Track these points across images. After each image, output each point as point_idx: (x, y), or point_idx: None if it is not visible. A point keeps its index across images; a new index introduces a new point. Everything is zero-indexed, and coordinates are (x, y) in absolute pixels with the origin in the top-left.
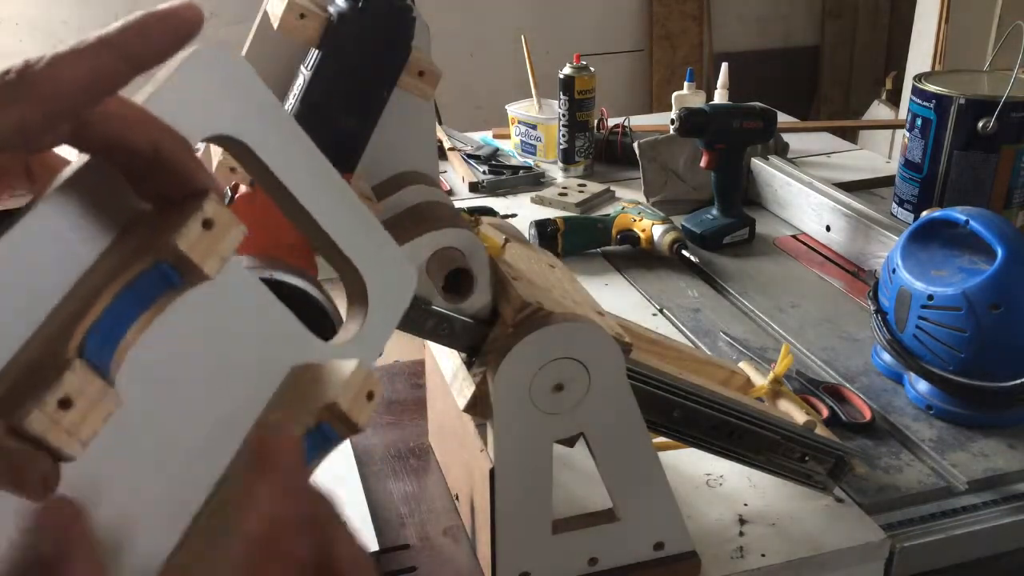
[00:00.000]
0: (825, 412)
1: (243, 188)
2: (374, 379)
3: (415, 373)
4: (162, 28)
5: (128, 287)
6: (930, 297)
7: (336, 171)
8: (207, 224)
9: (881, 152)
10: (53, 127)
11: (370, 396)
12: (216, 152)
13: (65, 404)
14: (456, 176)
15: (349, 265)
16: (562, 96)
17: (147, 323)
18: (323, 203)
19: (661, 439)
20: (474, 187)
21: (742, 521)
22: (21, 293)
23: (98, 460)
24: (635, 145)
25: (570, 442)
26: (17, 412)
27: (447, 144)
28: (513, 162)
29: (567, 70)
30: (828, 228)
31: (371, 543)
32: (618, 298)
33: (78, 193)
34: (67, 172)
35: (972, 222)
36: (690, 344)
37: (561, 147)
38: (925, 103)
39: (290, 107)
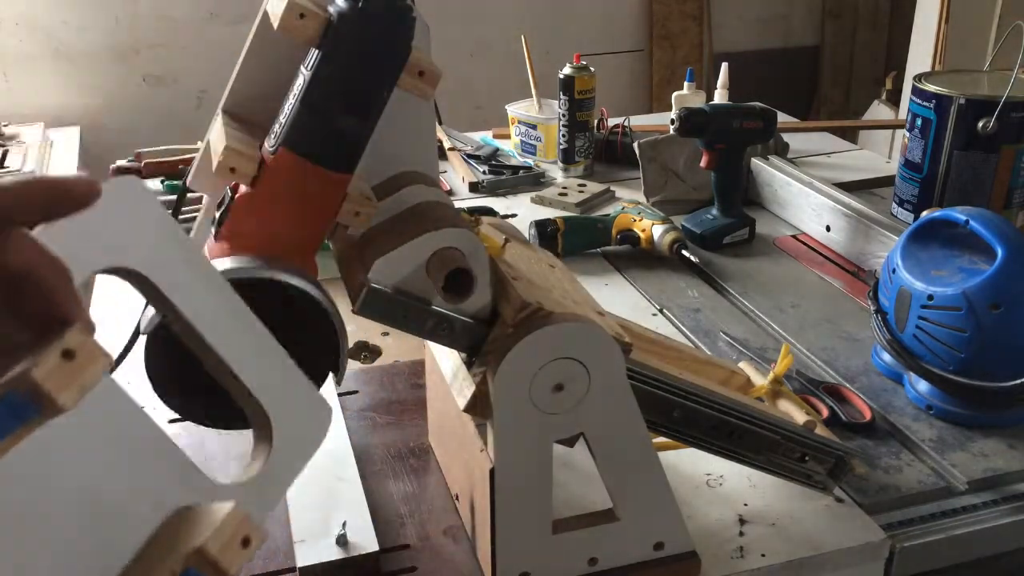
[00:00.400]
0: (825, 412)
1: (243, 188)
2: (251, 525)
3: (415, 373)
4: (46, 195)
5: None
6: (930, 297)
7: (245, 306)
8: (67, 354)
9: (881, 152)
10: None
11: (245, 542)
12: (216, 152)
13: None
14: (456, 176)
15: (254, 402)
16: (562, 96)
17: (2, 452)
18: (228, 337)
19: (661, 439)
20: (474, 187)
21: (742, 521)
22: None
23: None
24: (635, 145)
25: (570, 442)
26: None
27: (447, 144)
28: (513, 162)
29: (567, 70)
30: (828, 228)
31: (371, 543)
32: (618, 298)
33: None
34: None
35: (972, 222)
36: (690, 344)
37: (561, 147)
38: (925, 103)
39: (290, 107)
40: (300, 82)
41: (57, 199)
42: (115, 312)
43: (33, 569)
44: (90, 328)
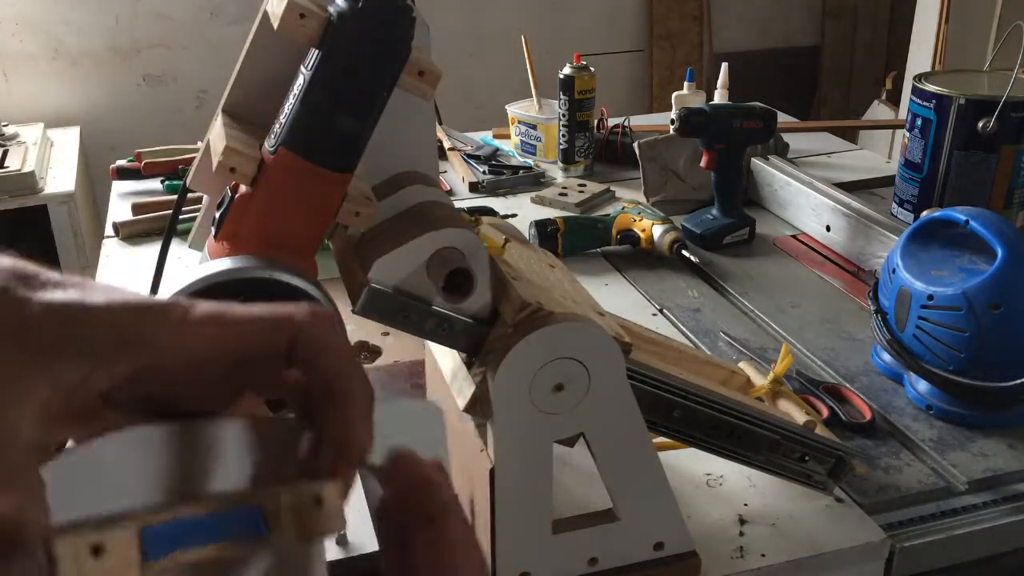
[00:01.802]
0: (825, 412)
1: (243, 188)
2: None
3: (415, 373)
4: (326, 386)
5: (218, 511)
6: (930, 297)
7: None
8: (318, 501)
9: (881, 152)
10: None
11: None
12: (216, 152)
13: (97, 551)
14: (456, 176)
15: None
16: (562, 96)
17: (216, 554)
18: None
19: (661, 439)
20: (474, 187)
21: (742, 521)
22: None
23: None
24: (635, 145)
25: (570, 442)
26: (56, 533)
27: (447, 144)
28: (513, 162)
29: (567, 70)
30: (828, 228)
31: (371, 543)
32: (618, 298)
33: (261, 428)
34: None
35: (972, 222)
36: (690, 344)
37: (561, 147)
38: (925, 103)
39: (290, 107)
40: (300, 82)
41: (327, 399)
42: None
43: None
44: (346, 495)
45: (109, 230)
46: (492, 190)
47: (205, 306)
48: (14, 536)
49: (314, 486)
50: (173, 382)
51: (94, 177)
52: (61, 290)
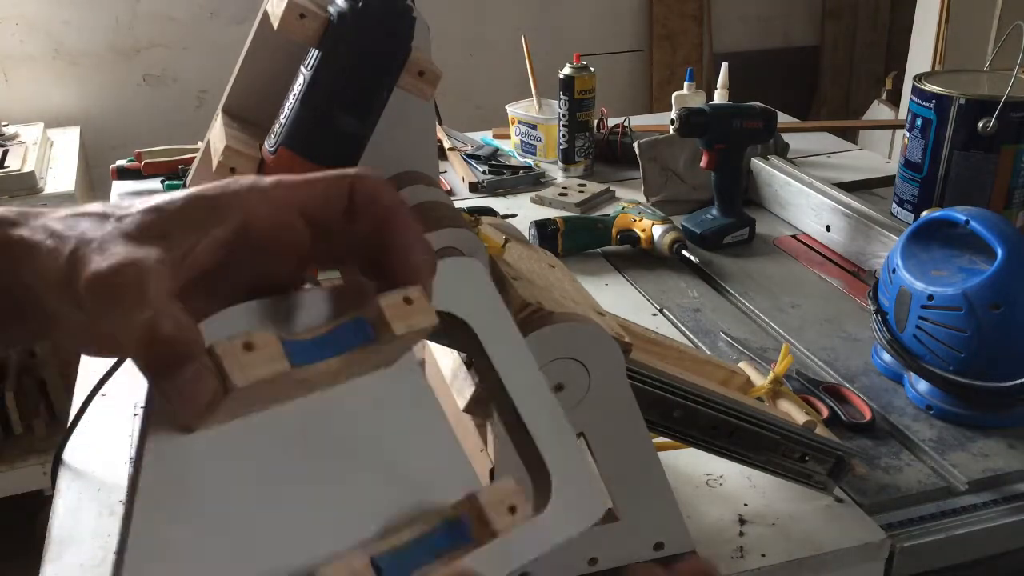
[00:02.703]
0: (825, 412)
1: None
2: (522, 497)
3: None
4: (386, 227)
5: (334, 329)
6: (930, 297)
7: (548, 388)
8: (408, 300)
9: (881, 152)
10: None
11: (512, 509)
12: (216, 152)
13: (248, 347)
14: (456, 176)
15: (542, 465)
16: (562, 96)
17: (344, 364)
18: (528, 400)
19: (661, 439)
20: (474, 187)
21: (742, 521)
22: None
23: (230, 501)
24: (635, 145)
25: None
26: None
27: (447, 144)
28: (513, 162)
29: (567, 70)
30: (828, 228)
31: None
32: (618, 298)
33: (340, 290)
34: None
35: (972, 222)
36: (690, 344)
37: (561, 147)
38: (925, 103)
39: (290, 107)
40: (300, 82)
41: (392, 246)
42: None
43: (311, 499)
44: (428, 297)
45: None
46: (492, 190)
47: (270, 176)
48: (181, 349)
49: (400, 290)
50: (260, 252)
51: (94, 177)
52: (141, 200)
